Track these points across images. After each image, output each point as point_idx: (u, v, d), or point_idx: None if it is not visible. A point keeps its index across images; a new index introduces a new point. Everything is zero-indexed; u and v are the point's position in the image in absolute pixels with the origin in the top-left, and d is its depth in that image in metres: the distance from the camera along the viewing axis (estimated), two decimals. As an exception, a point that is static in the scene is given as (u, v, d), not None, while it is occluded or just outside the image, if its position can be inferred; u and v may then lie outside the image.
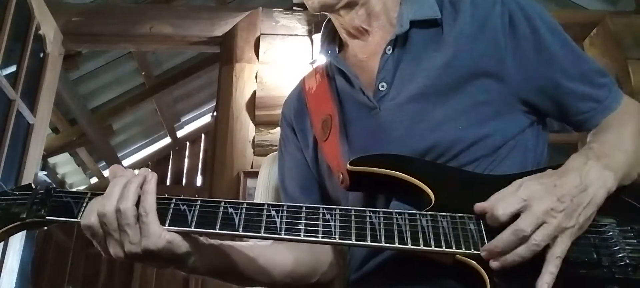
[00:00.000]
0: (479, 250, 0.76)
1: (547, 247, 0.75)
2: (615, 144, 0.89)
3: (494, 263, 0.75)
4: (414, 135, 0.93)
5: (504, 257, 0.74)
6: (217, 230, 0.77)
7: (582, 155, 0.85)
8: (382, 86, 0.99)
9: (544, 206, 0.75)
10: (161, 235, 0.75)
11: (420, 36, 1.00)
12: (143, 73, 4.72)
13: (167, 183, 6.44)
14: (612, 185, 0.82)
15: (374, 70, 1.01)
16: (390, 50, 1.00)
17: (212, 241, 0.85)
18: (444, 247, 0.76)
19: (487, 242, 0.77)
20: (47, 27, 3.12)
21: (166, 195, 0.80)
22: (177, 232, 0.77)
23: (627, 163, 0.87)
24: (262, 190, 1.30)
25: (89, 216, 0.76)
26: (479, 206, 0.79)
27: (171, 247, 0.76)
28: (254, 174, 2.47)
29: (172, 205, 0.79)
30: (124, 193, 0.76)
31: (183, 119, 6.17)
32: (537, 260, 0.75)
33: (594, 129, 0.96)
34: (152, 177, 0.79)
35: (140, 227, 0.75)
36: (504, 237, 0.75)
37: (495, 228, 0.77)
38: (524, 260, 0.74)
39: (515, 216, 0.76)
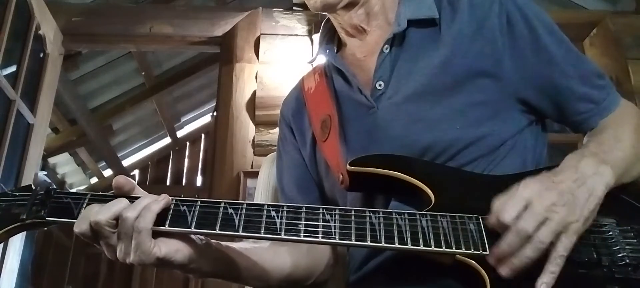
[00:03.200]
0: (479, 250, 0.76)
1: (551, 246, 0.73)
2: (612, 142, 0.88)
3: (503, 270, 0.73)
4: (411, 134, 0.93)
5: (511, 261, 0.73)
6: (217, 231, 0.77)
7: (577, 154, 0.85)
8: (380, 85, 0.99)
9: (545, 202, 0.74)
10: (151, 254, 0.75)
11: (417, 35, 1.00)
12: (143, 73, 4.72)
13: (167, 184, 6.44)
14: (610, 179, 0.81)
15: (372, 69, 1.01)
16: (388, 49, 1.00)
17: (210, 243, 0.85)
18: (444, 247, 0.76)
19: (487, 241, 0.76)
20: (47, 27, 3.11)
21: None
22: (176, 233, 0.77)
23: (625, 160, 0.86)
24: (262, 190, 1.30)
25: (80, 224, 0.76)
26: (490, 222, 0.77)
27: (162, 262, 0.76)
28: (254, 174, 2.46)
29: (172, 206, 0.79)
30: (134, 205, 0.76)
31: (183, 119, 6.17)
32: (539, 260, 0.74)
33: (591, 131, 0.96)
34: (163, 200, 0.78)
35: (133, 240, 0.74)
36: (508, 240, 0.73)
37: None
38: (533, 261, 0.73)
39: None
